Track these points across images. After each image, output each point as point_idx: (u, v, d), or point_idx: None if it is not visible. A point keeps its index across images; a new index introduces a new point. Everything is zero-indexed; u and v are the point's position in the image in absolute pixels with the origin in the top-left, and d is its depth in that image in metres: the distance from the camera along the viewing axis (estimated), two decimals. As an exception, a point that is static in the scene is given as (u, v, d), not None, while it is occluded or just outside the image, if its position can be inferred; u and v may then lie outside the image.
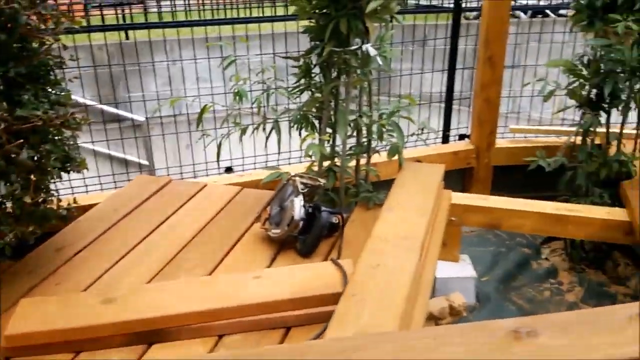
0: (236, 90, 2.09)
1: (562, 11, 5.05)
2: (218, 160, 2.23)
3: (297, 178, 1.92)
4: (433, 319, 2.18)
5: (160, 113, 2.72)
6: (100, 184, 2.81)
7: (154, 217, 2.09)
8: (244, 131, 2.12)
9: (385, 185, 2.16)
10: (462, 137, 3.19)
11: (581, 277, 2.65)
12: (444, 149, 3.03)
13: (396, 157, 2.16)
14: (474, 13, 4.32)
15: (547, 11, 5.08)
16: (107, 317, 1.45)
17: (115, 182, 2.85)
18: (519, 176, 3.13)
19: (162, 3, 5.69)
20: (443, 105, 3.18)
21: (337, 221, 1.94)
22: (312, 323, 1.52)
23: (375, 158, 2.30)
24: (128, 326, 1.45)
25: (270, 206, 2.00)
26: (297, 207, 1.85)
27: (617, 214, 2.28)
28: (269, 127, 2.12)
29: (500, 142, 3.06)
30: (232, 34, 3.23)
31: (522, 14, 5.38)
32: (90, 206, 2.20)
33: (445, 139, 3.18)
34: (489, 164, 3.03)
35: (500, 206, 2.37)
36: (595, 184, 2.57)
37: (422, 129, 2.11)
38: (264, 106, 2.14)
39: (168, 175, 2.85)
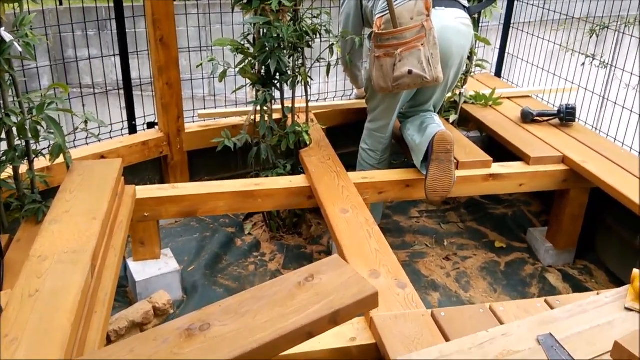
0: None
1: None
2: None
3: None
4: (137, 326, 2.00)
5: None
6: None
7: None
8: None
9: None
10: (150, 125, 3.00)
11: (281, 245, 2.81)
12: (131, 140, 2.80)
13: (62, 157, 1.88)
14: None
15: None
16: None
17: None
18: (215, 158, 3.14)
19: None
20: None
21: (-9, 246, 1.59)
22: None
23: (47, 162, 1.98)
24: None
25: None
26: None
27: (298, 181, 2.44)
28: None
29: (191, 127, 3.00)
30: None
31: (202, -4, 5.41)
32: None
33: (133, 129, 2.95)
34: (182, 149, 2.95)
35: (191, 192, 2.30)
36: (280, 156, 2.74)
37: (86, 122, 1.87)
38: None
39: None
